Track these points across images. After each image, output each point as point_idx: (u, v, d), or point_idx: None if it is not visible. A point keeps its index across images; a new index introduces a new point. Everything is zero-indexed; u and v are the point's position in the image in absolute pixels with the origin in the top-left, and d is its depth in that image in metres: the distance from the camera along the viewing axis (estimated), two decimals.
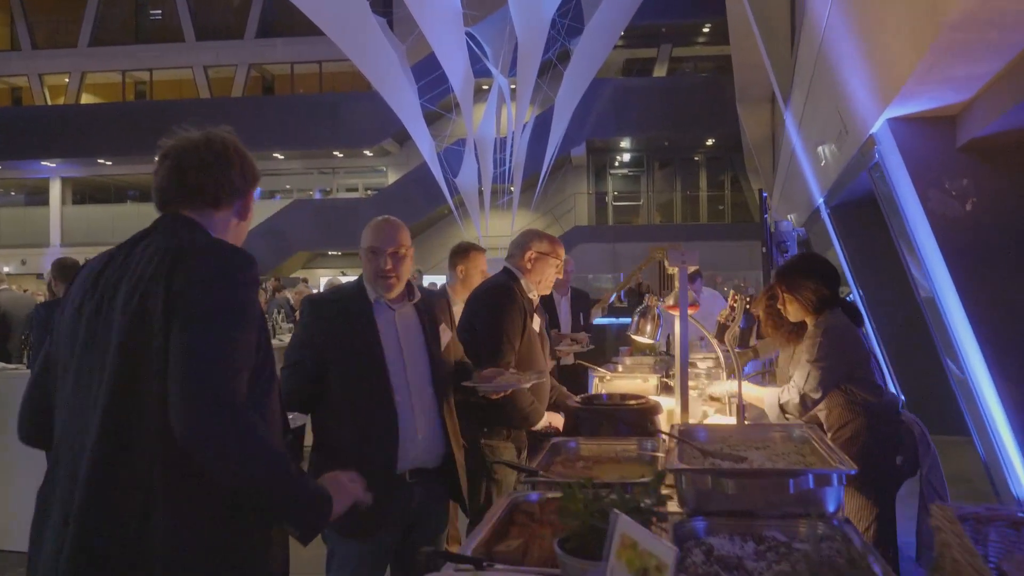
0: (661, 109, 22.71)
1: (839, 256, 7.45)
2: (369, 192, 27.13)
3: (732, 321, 3.03)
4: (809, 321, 2.98)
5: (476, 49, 18.56)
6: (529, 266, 3.22)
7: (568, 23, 18.56)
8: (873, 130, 4.17)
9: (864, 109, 4.26)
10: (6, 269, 26.60)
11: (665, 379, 3.59)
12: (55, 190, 27.36)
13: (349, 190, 27.77)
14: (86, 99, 27.91)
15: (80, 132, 25.20)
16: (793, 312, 2.99)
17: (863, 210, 6.40)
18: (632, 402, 2.45)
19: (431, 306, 2.69)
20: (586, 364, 4.38)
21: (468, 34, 17.31)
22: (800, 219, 9.71)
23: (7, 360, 6.18)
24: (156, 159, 1.84)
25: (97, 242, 26.90)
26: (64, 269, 4.75)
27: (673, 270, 3.08)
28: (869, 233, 6.39)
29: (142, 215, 27.91)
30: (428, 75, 20.29)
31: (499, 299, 3.13)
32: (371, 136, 24.34)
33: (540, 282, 3.23)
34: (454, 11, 16.19)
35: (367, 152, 25.44)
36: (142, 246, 1.67)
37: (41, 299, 6.85)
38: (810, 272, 2.96)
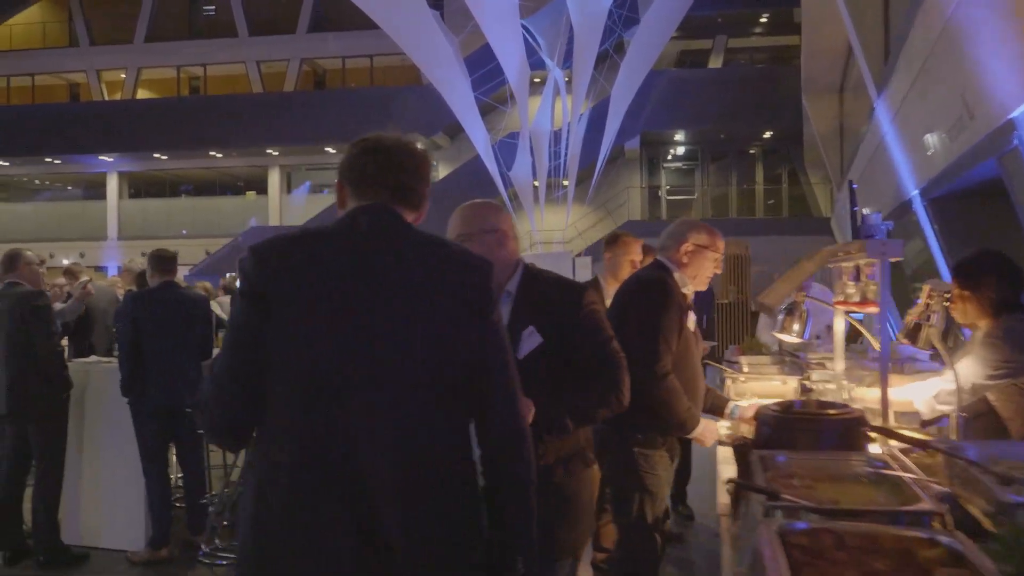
0: (716, 101, 22.24)
1: (934, 249, 7.08)
2: None
3: (927, 320, 2.74)
4: (983, 325, 2.69)
5: (531, 40, 18.32)
6: (685, 259, 2.92)
7: (625, 13, 18.24)
8: (1013, 114, 3.85)
9: (1002, 92, 3.94)
10: (65, 262, 27.11)
11: (805, 381, 3.32)
12: (112, 184, 27.80)
13: None
14: (142, 94, 28.31)
15: (136, 127, 25.54)
16: (968, 313, 2.69)
17: (969, 201, 6.05)
18: (832, 411, 2.19)
19: (534, 302, 2.28)
20: (713, 364, 4.15)
21: (523, 25, 17.09)
22: (881, 212, 9.30)
23: (91, 352, 6.14)
24: (357, 149, 1.72)
25: (152, 235, 27.27)
26: (163, 261, 4.60)
27: (867, 263, 2.81)
28: (976, 225, 6.03)
29: (196, 209, 28.36)
30: (481, 67, 20.13)
31: (654, 295, 2.83)
32: (422, 130, 24.25)
33: (696, 277, 2.93)
34: (510, 3, 15.99)
35: (418, 146, 25.33)
36: (380, 232, 1.62)
37: (120, 291, 6.78)
38: (992, 270, 2.68)
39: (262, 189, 27.76)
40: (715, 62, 25.26)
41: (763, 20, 25.44)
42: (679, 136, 24.99)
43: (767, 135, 24.12)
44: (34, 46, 28.63)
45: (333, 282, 1.54)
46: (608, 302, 3.50)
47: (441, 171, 25.73)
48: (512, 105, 22.80)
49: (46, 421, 4.34)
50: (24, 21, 27.79)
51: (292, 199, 27.59)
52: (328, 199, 26.65)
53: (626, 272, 3.71)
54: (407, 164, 1.71)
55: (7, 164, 27.94)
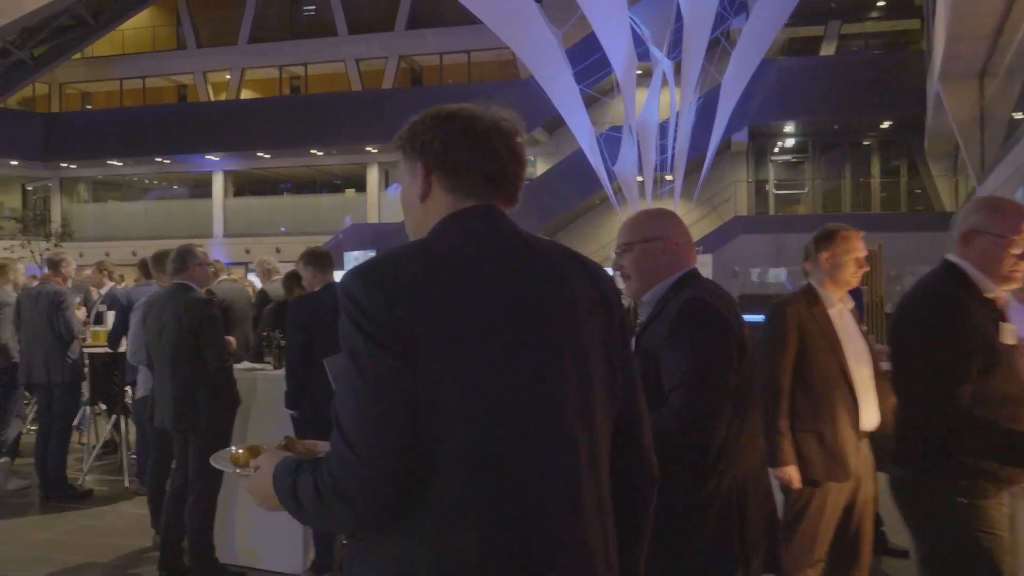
0: (829, 90, 21.13)
1: None
2: None
3: None
4: None
5: (637, 30, 17.78)
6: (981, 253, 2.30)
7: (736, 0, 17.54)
8: None
9: None
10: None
11: None
12: (218, 183, 28.50)
13: None
14: (245, 94, 28.92)
15: (240, 126, 26.07)
16: None
17: None
18: None
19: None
20: None
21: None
22: None
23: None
24: (455, 127, 1.38)
25: (256, 232, 27.91)
26: (320, 258, 4.28)
27: None
28: None
29: (297, 206, 28.83)
30: (583, 60, 19.69)
31: (941, 306, 2.28)
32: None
33: (1007, 276, 2.29)
34: None
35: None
36: (516, 241, 1.36)
37: (250, 289, 6.59)
38: None
39: (361, 187, 28.00)
40: (827, 49, 24.05)
41: (880, 4, 24.10)
42: (788, 127, 23.91)
43: (885, 125, 22.82)
44: (144, 50, 29.61)
45: (487, 316, 1.26)
46: (837, 310, 3.00)
47: (539, 167, 25.37)
48: (615, 97, 22.30)
49: (210, 437, 4.10)
50: (135, 26, 28.71)
51: (389, 196, 27.72)
52: None
53: (850, 273, 3.11)
54: (522, 153, 1.42)
55: (121, 164, 28.98)
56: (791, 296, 3.13)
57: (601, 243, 23.67)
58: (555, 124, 24.09)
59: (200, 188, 30.05)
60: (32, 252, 24.22)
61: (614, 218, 23.79)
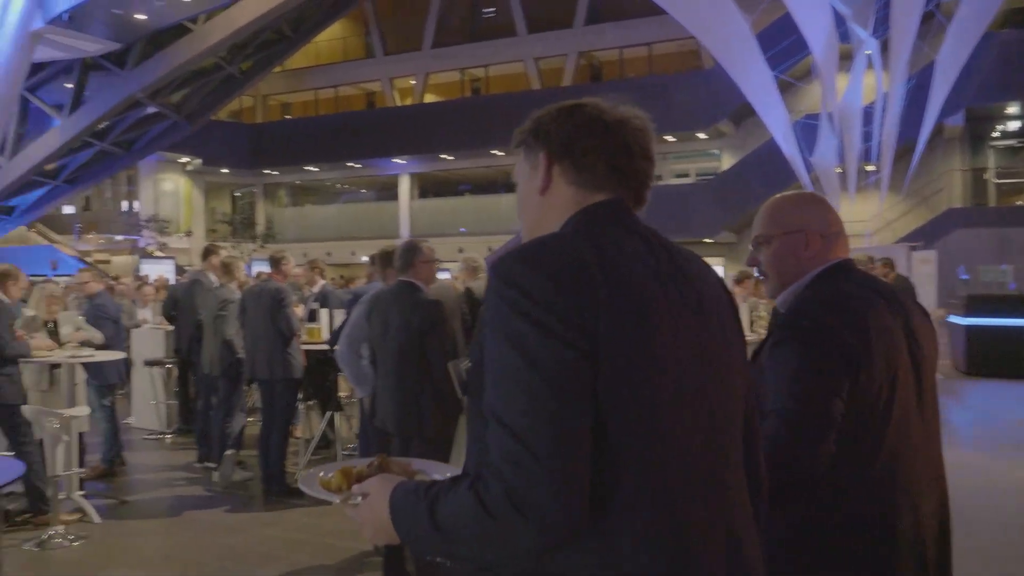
0: None
1: None
2: (702, 178, 25.85)
3: None
4: None
5: (837, 9, 16.50)
6: None
7: None
8: None
9: None
10: (364, 259, 29.33)
11: None
12: (404, 185, 29.56)
13: (678, 176, 26.70)
14: (428, 98, 29.78)
15: (424, 130, 26.86)
16: None
17: None
18: None
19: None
20: None
21: None
22: None
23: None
24: (590, 121, 1.29)
25: (439, 233, 28.68)
26: None
27: None
28: None
29: (478, 208, 29.32)
30: (774, 45, 18.57)
31: None
32: (705, 117, 23.00)
33: None
34: None
35: (700, 135, 24.13)
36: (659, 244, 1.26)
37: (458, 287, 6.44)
38: None
39: None
40: None
41: None
42: (1012, 109, 21.45)
43: None
44: (336, 60, 31.22)
45: (668, 316, 1.15)
46: None
47: (725, 161, 24.31)
48: (810, 83, 20.95)
49: (433, 446, 3.91)
50: (327, 38, 30.27)
51: None
52: None
53: None
54: (652, 151, 1.33)
55: (316, 170, 30.73)
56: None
57: None
58: (742, 114, 23.01)
59: (386, 191, 31.31)
60: (241, 253, 26.15)
61: None
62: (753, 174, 21.66)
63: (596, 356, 1.08)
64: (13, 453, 4.89)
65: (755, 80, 16.39)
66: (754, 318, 7.66)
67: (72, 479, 4.97)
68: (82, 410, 4.82)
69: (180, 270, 23.26)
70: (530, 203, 1.33)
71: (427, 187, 30.83)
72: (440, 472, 1.45)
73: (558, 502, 1.03)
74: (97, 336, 5.65)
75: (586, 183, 1.27)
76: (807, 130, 18.11)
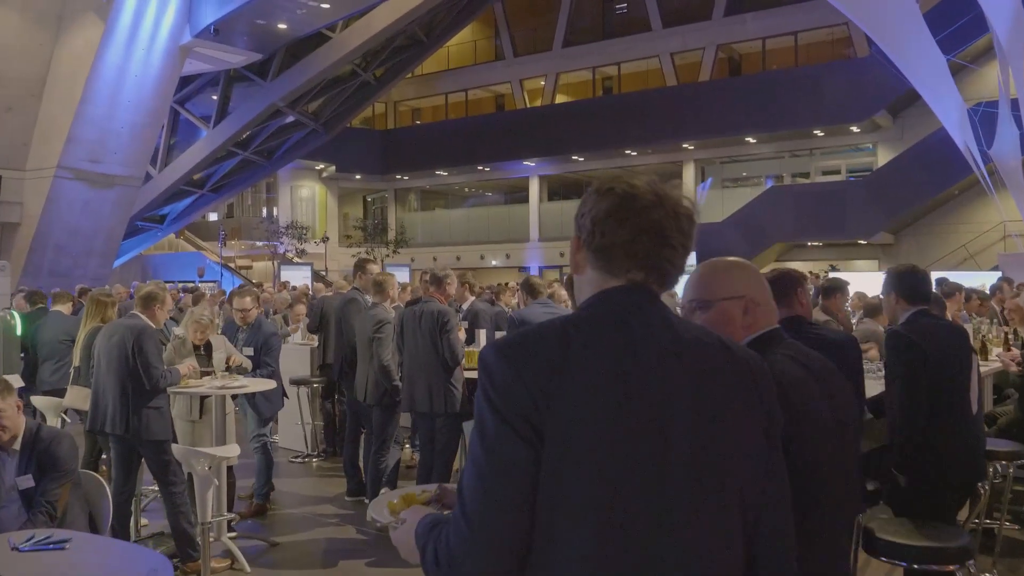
0: None
1: None
2: (853, 175, 24.01)
3: None
4: None
5: None
6: None
7: None
8: None
9: None
10: (493, 263, 29.03)
11: None
12: (534, 187, 29.06)
13: (827, 173, 24.93)
14: (559, 99, 29.15)
15: (555, 131, 26.24)
16: None
17: None
18: None
19: None
20: None
21: None
22: None
23: None
24: (615, 208, 1.36)
25: (569, 236, 27.83)
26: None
27: None
28: None
29: None
30: (941, 28, 16.81)
31: None
32: (859, 109, 21.25)
33: None
34: None
35: (853, 128, 22.37)
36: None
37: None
38: None
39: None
40: None
41: None
42: None
43: None
44: (466, 63, 31.08)
45: (615, 408, 1.24)
46: None
47: (881, 157, 22.44)
48: (983, 66, 19.02)
49: None
50: (457, 42, 30.15)
51: (704, 195, 26.34)
52: (743, 192, 24.89)
53: None
54: (681, 243, 1.37)
55: (446, 174, 30.71)
56: None
57: (962, 239, 20.31)
58: (900, 106, 21.17)
59: (515, 193, 30.93)
60: (375, 259, 26.37)
61: (976, 212, 20.30)
62: (915, 169, 19.82)
63: (540, 445, 1.23)
64: (161, 494, 4.51)
65: (923, 65, 14.86)
66: None
67: (222, 524, 4.56)
68: (233, 449, 4.39)
69: (317, 276, 23.61)
70: (575, 279, 1.46)
71: (555, 189, 30.22)
72: None
73: (479, 568, 1.23)
74: (249, 365, 5.25)
75: (605, 269, 1.37)
76: (984, 119, 16.32)
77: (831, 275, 17.88)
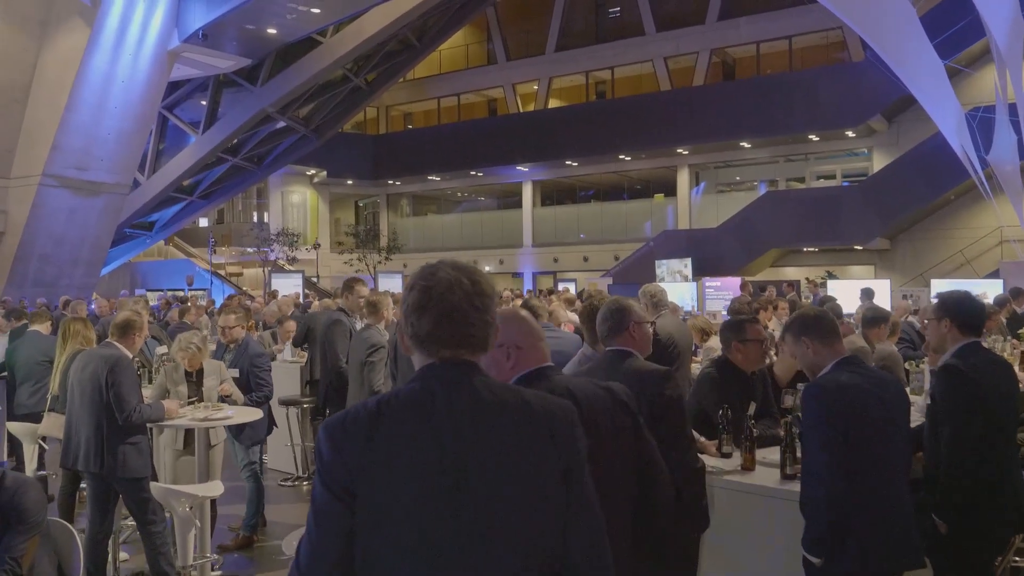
0: None
1: None
2: (848, 180, 23.87)
3: None
4: None
5: None
6: None
7: None
8: None
9: None
10: (487, 268, 28.78)
11: None
12: (527, 193, 28.82)
13: (822, 177, 24.78)
14: (552, 103, 28.93)
15: (548, 136, 26.02)
16: None
17: None
18: None
19: None
20: None
21: None
22: None
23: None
24: (417, 298, 1.62)
25: (562, 241, 27.85)
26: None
27: None
28: None
29: (604, 214, 28.28)
30: (937, 32, 16.69)
31: None
32: (854, 114, 21.11)
33: None
34: None
35: (848, 133, 22.22)
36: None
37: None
38: None
39: (668, 191, 26.78)
40: None
41: None
42: None
43: None
44: (459, 67, 30.83)
45: (420, 473, 1.48)
46: None
47: (876, 162, 22.29)
48: (979, 70, 18.93)
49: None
50: (449, 46, 29.90)
51: (697, 199, 26.18)
52: (739, 198, 24.74)
53: None
54: (479, 318, 1.61)
55: (438, 179, 30.45)
56: None
57: (959, 245, 20.16)
58: (895, 110, 21.03)
59: (508, 199, 30.69)
60: (367, 265, 26.04)
61: (972, 217, 20.15)
62: (910, 175, 19.68)
63: (353, 504, 1.48)
64: (140, 533, 4.26)
65: (919, 70, 14.72)
66: None
67: (205, 566, 4.30)
68: (216, 488, 4.14)
69: (308, 283, 23.30)
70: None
71: (548, 194, 30.00)
72: None
73: None
74: (240, 397, 4.99)
75: (421, 350, 1.62)
76: (981, 124, 16.19)
77: (829, 282, 17.73)
